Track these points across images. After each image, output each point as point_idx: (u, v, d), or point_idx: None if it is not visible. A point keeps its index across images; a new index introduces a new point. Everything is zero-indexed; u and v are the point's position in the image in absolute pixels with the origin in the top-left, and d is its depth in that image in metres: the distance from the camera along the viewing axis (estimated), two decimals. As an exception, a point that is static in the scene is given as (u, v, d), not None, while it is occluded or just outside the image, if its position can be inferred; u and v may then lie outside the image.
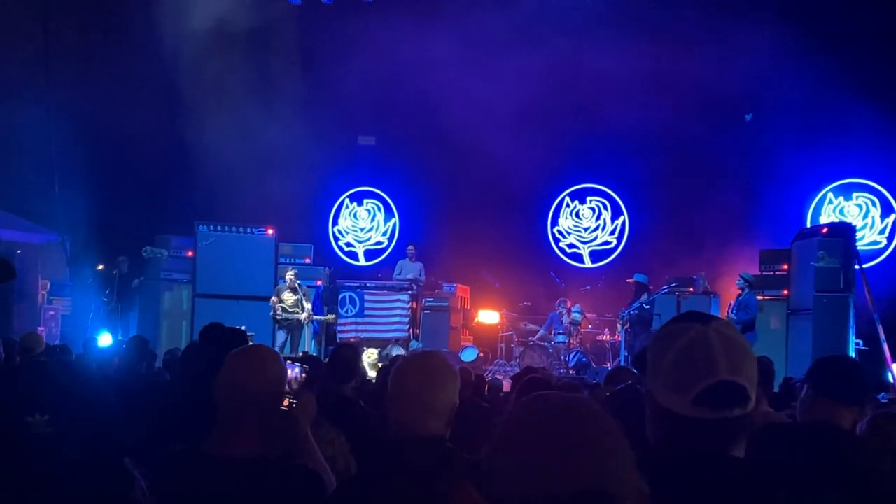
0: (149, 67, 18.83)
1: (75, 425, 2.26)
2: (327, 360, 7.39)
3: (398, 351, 15.84)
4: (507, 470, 1.62)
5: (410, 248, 19.08)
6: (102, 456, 2.33)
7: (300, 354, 15.19)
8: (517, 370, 14.55)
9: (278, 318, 16.37)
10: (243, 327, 14.79)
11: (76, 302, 17.90)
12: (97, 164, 18.73)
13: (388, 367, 8.02)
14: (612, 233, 20.70)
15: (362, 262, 22.37)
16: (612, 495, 1.60)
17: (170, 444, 3.47)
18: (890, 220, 18.41)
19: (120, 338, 15.52)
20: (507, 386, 11.37)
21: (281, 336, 16.41)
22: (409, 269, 18.71)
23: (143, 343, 8.70)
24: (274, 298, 16.62)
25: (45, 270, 18.18)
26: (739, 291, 15.02)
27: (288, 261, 18.27)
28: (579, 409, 1.68)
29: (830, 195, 18.71)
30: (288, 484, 3.05)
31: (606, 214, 20.76)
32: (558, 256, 20.90)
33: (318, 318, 17.18)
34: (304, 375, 5.23)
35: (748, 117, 18.88)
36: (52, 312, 17.77)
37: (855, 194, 18.62)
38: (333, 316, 17.68)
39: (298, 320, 16.40)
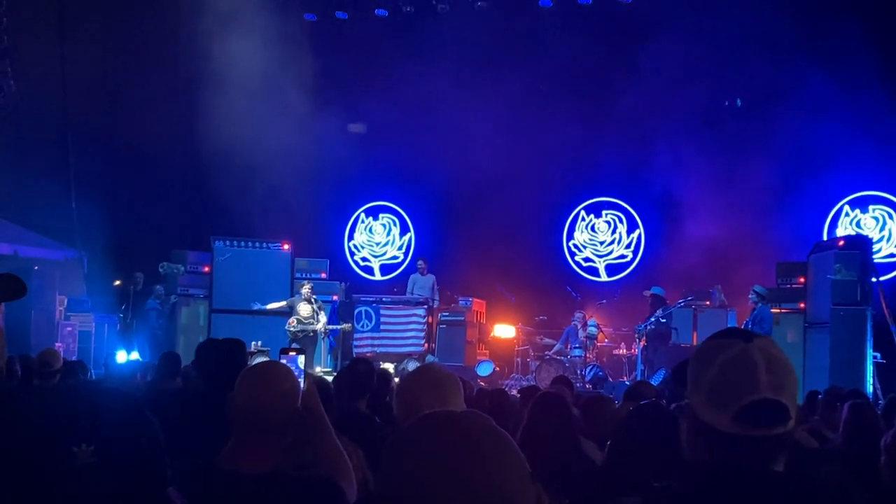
0: (166, 84, 18.95)
1: (120, 455, 2.26)
2: (334, 376, 7.41)
3: (414, 366, 15.83)
4: (397, 492, 1.63)
5: (420, 262, 19.10)
6: (147, 487, 2.33)
7: (315, 369, 15.21)
8: (533, 384, 14.53)
9: (293, 329, 16.37)
10: (259, 342, 14.86)
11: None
12: (114, 180, 18.86)
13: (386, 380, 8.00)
14: (628, 246, 20.66)
15: (378, 276, 22.39)
16: None
17: (186, 458, 3.47)
18: (906, 232, 18.36)
19: (136, 353, 15.58)
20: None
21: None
22: (422, 282, 18.72)
23: (176, 358, 8.62)
24: (286, 301, 16.69)
25: (62, 286, 18.25)
26: (753, 306, 14.97)
27: (304, 275, 18.31)
28: (466, 426, 1.69)
29: (847, 208, 18.63)
30: (304, 496, 3.06)
31: (622, 228, 20.72)
32: (574, 270, 20.85)
33: (335, 327, 17.17)
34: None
35: (738, 103, 18.87)
36: (69, 328, 17.83)
37: (871, 207, 18.54)
38: (349, 325, 17.69)
39: (315, 331, 16.40)
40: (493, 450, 1.66)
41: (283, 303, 16.76)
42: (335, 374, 10.20)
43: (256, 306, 16.81)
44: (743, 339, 2.14)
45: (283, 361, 3.58)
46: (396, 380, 7.43)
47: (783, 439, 2.09)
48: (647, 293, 17.01)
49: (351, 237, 22.71)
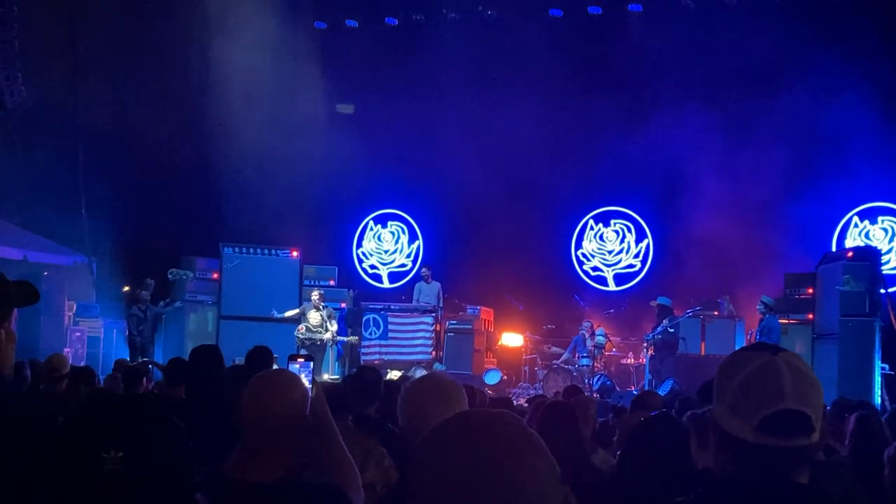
0: (175, 92, 18.99)
1: (148, 461, 2.29)
2: (340, 381, 7.42)
3: (421, 374, 15.80)
4: (427, 490, 1.63)
5: (425, 270, 19.11)
6: (174, 492, 2.35)
7: (323, 377, 15.22)
8: (541, 393, 14.53)
9: (301, 337, 16.38)
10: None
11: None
12: (123, 186, 18.91)
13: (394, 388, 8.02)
14: (637, 256, 20.62)
15: (386, 284, 22.40)
16: None
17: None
18: (916, 244, 18.31)
19: (143, 359, 15.62)
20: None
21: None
22: (427, 290, 18.72)
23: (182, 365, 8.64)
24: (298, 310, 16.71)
25: (71, 292, 18.31)
26: (761, 316, 14.95)
27: (312, 283, 18.33)
28: (497, 426, 1.69)
29: (856, 219, 18.59)
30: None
31: (630, 237, 20.69)
32: (582, 279, 20.83)
33: (342, 338, 17.20)
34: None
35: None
36: (78, 334, 17.87)
37: (881, 218, 18.49)
38: (357, 337, 17.70)
39: (322, 340, 16.41)
40: (523, 450, 1.66)
41: (297, 310, 16.80)
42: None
43: (274, 314, 16.86)
44: (770, 351, 2.17)
45: (296, 367, 3.58)
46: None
47: (806, 450, 2.11)
48: (654, 303, 17.00)
49: (359, 245, 22.72)
